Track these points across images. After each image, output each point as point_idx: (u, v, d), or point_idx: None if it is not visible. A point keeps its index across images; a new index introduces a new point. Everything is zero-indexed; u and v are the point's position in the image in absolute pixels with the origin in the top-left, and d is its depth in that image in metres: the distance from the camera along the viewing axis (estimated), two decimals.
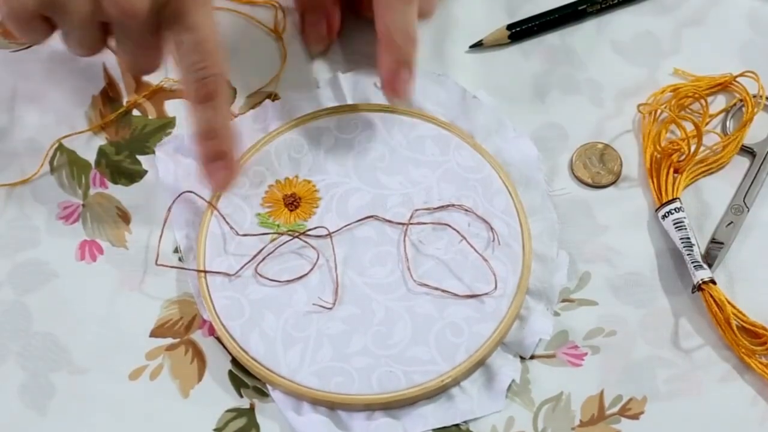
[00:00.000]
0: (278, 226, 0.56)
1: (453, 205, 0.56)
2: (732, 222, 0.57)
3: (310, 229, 0.55)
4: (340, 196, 0.57)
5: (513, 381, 0.53)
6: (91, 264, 0.56)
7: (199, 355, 0.54)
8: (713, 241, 0.57)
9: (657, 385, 0.53)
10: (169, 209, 0.56)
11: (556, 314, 0.55)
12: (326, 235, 0.55)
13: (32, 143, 0.60)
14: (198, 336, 0.55)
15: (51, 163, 0.59)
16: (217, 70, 0.53)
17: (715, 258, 0.56)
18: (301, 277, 0.54)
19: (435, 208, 0.56)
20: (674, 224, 0.55)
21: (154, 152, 0.59)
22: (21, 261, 0.56)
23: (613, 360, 0.54)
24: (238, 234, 0.55)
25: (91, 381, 0.53)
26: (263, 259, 0.55)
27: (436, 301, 0.54)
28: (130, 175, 0.59)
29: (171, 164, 0.58)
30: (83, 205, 0.58)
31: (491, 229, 0.56)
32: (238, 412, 0.53)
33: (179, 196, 0.56)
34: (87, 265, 0.56)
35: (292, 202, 0.57)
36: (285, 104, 0.60)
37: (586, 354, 0.54)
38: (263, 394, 0.53)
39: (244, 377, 0.54)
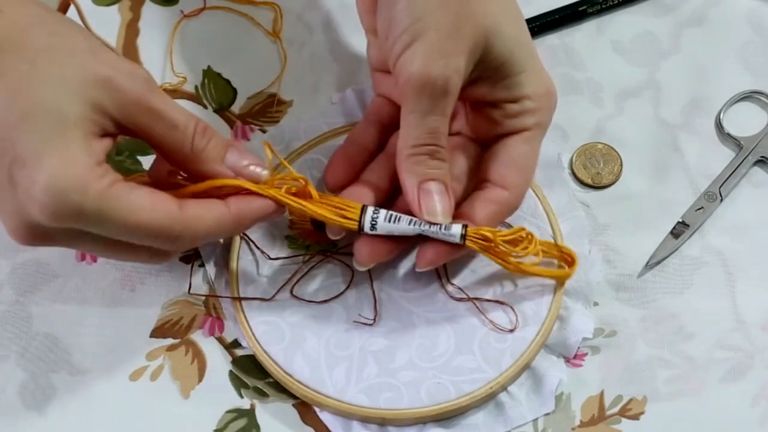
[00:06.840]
0: (308, 247, 0.55)
1: None
2: (702, 207, 0.57)
3: (341, 247, 0.55)
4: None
5: (560, 381, 0.53)
6: (91, 264, 0.56)
7: (199, 356, 0.54)
8: (681, 222, 0.57)
9: (657, 385, 0.53)
10: None
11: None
12: None
13: None
14: (198, 336, 0.55)
15: None
16: None
17: (678, 236, 0.56)
18: (338, 296, 0.54)
19: None
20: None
21: (154, 152, 0.59)
22: (21, 261, 0.56)
23: (613, 360, 0.54)
24: (269, 258, 0.55)
25: (92, 381, 0.53)
26: (297, 281, 0.55)
27: (476, 309, 0.54)
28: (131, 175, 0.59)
29: None
30: None
31: None
32: (238, 413, 0.53)
33: None
34: (87, 265, 0.56)
35: (320, 222, 0.56)
36: (301, 124, 0.60)
37: (586, 354, 0.54)
38: (263, 394, 0.53)
39: (245, 378, 0.54)
